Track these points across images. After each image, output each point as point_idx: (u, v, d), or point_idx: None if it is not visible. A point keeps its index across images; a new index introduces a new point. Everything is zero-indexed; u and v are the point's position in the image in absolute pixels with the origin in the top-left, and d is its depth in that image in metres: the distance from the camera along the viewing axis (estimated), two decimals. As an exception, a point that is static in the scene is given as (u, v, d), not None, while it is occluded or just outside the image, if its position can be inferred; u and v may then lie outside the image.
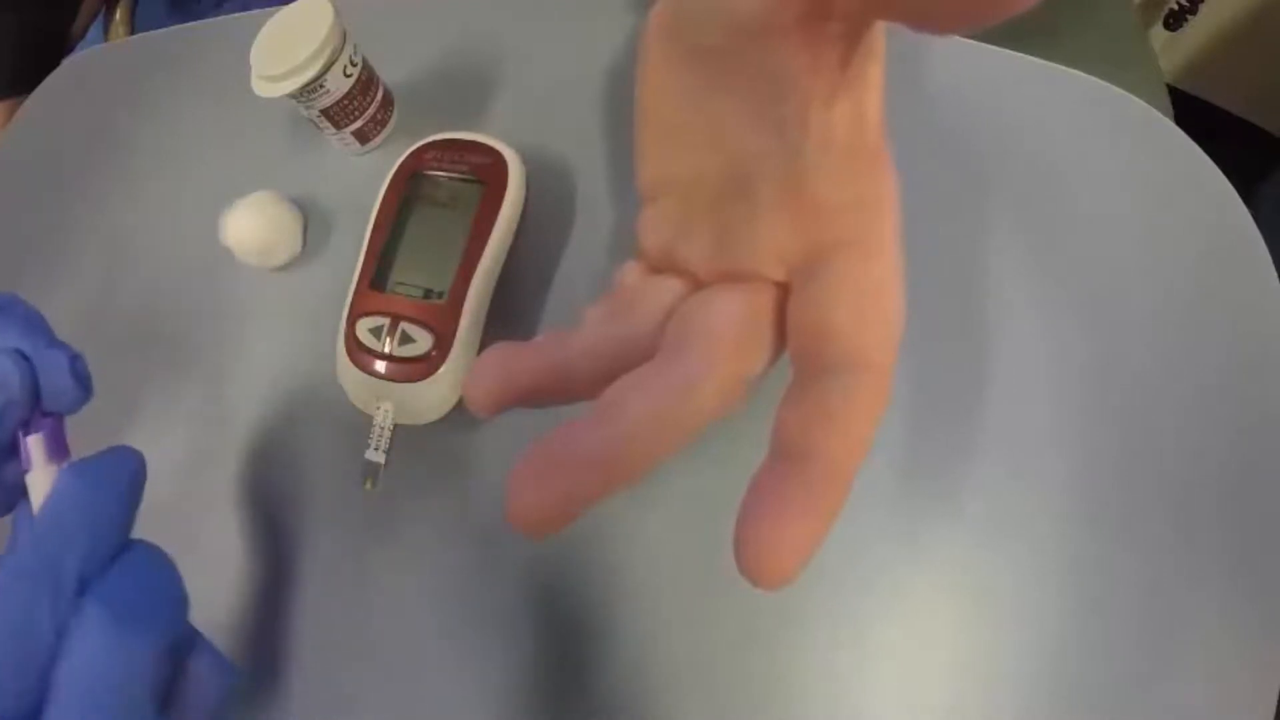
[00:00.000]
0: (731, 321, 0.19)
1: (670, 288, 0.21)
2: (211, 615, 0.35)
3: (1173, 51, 0.94)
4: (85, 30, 0.74)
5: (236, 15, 0.50)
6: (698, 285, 0.21)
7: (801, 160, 0.18)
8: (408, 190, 0.36)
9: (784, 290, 0.19)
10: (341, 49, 0.37)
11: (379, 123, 0.41)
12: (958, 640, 0.30)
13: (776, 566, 0.15)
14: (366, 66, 0.39)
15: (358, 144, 0.41)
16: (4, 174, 0.50)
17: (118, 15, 0.76)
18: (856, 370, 0.17)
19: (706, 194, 0.20)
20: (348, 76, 0.38)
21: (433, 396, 0.33)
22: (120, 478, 0.22)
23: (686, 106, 0.20)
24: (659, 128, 0.21)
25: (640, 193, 0.22)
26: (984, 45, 0.38)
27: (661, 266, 0.22)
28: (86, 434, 0.39)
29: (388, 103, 0.42)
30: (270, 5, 0.38)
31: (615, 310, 0.21)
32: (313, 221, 0.41)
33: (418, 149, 0.37)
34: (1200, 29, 0.91)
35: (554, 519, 0.16)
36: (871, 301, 0.18)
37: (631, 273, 0.22)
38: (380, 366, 0.33)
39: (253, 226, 0.38)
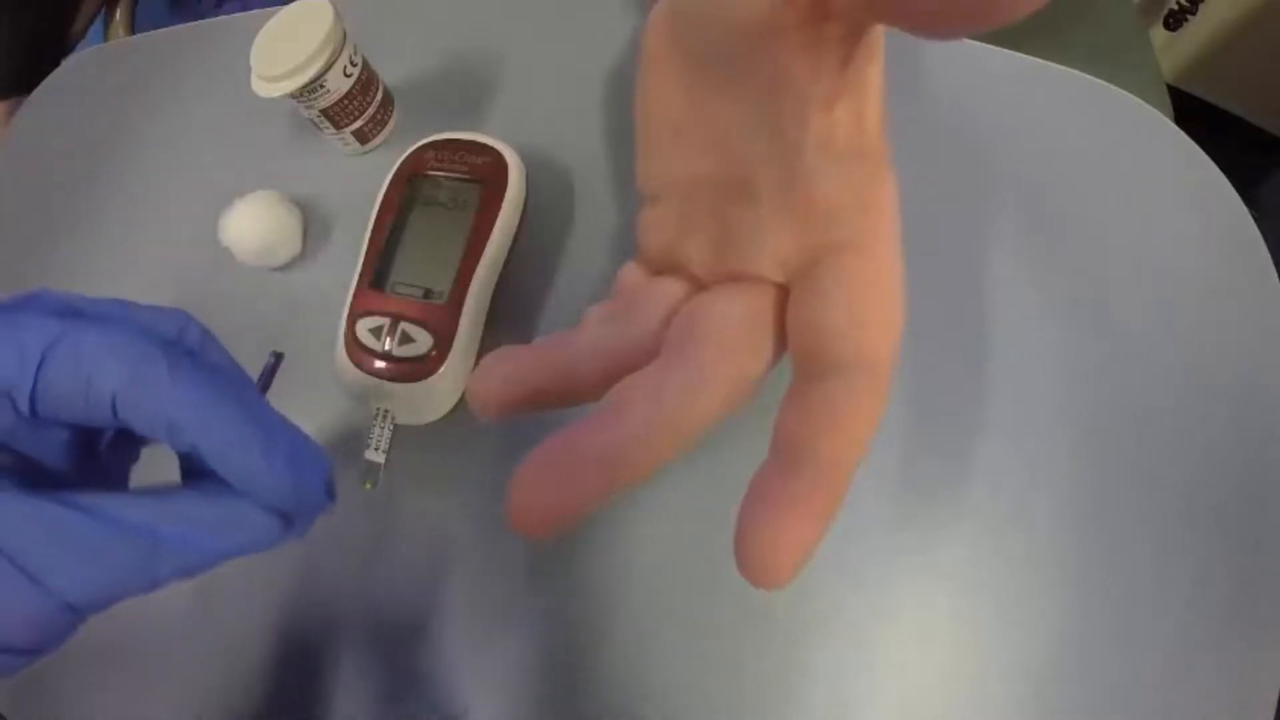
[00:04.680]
0: (733, 323, 0.19)
1: (671, 289, 0.21)
2: (209, 615, 0.35)
3: (1173, 51, 0.94)
4: (85, 30, 0.74)
5: (236, 15, 0.50)
6: (699, 286, 0.21)
7: (801, 162, 0.18)
8: (408, 190, 0.36)
9: (785, 292, 0.19)
10: (341, 49, 0.37)
11: (379, 123, 0.41)
12: (956, 640, 0.30)
13: (775, 566, 0.15)
14: (366, 66, 0.39)
15: (358, 144, 0.41)
16: (4, 174, 0.50)
17: (118, 15, 0.75)
18: (856, 371, 0.17)
19: (707, 195, 0.20)
20: (348, 76, 0.38)
21: (433, 396, 0.33)
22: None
23: (686, 107, 0.20)
24: (659, 129, 0.21)
25: (640, 193, 0.22)
26: (984, 45, 0.38)
27: (662, 268, 0.22)
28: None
29: (388, 103, 0.42)
30: (270, 5, 0.38)
31: (616, 312, 0.21)
32: (313, 221, 0.41)
33: (418, 149, 0.37)
34: (1200, 29, 0.91)
35: (555, 521, 0.16)
36: (871, 302, 0.18)
37: (632, 274, 0.22)
38: (380, 366, 0.33)
39: (253, 226, 0.38)
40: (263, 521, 0.19)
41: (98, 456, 0.22)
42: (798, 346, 0.18)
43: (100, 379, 0.17)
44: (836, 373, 0.17)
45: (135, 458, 0.24)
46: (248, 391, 0.20)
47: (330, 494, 0.20)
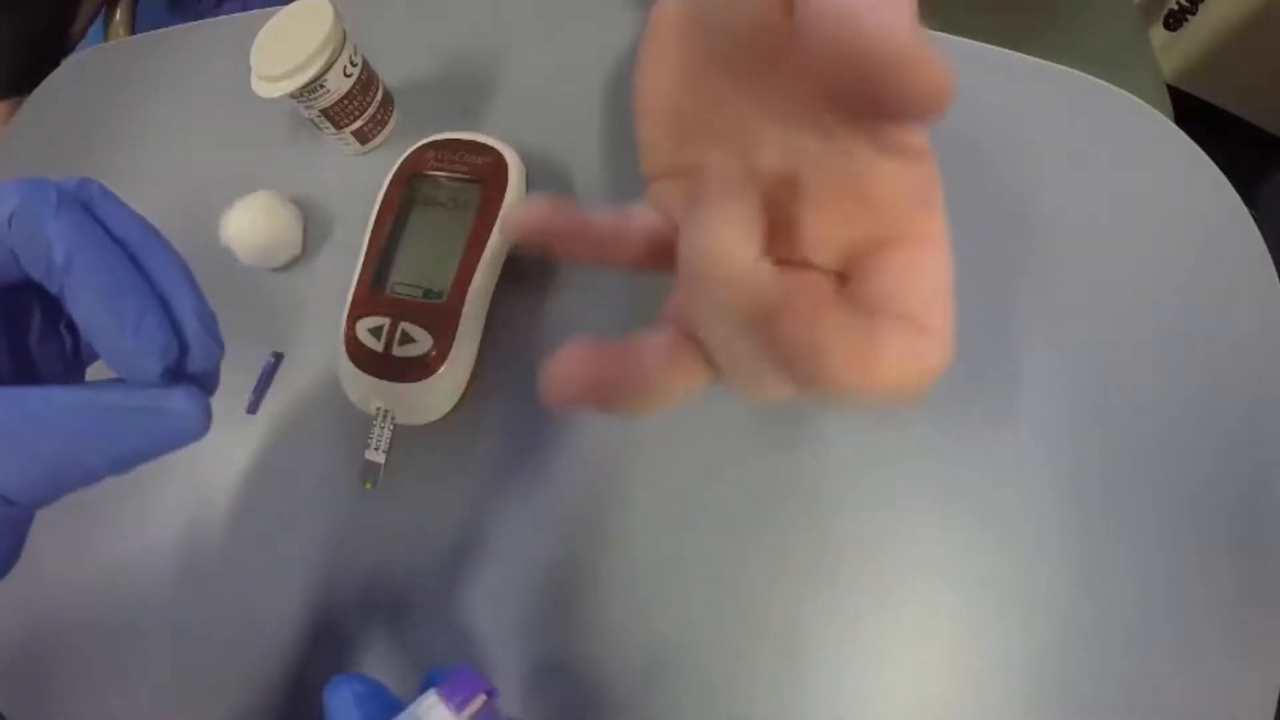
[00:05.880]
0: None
1: None
2: (208, 615, 0.35)
3: (1173, 51, 0.94)
4: (85, 30, 0.74)
5: (236, 15, 0.50)
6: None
7: (856, 159, 0.17)
8: (408, 190, 0.36)
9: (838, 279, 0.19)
10: (341, 49, 0.37)
11: (379, 123, 0.41)
12: (957, 640, 0.30)
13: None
14: (366, 66, 0.39)
15: (358, 144, 0.41)
16: (4, 174, 0.50)
17: (118, 15, 0.75)
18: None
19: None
20: (348, 76, 0.38)
21: (433, 396, 0.33)
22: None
23: (701, 101, 0.20)
24: (666, 117, 0.21)
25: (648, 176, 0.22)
26: (984, 45, 0.38)
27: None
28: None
29: (388, 103, 0.42)
30: (270, 5, 0.38)
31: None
32: (313, 221, 0.41)
33: (418, 149, 0.37)
34: (1200, 29, 0.91)
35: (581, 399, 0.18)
36: (935, 294, 0.17)
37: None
38: (380, 366, 0.33)
39: (253, 226, 0.38)
40: (186, 408, 0.19)
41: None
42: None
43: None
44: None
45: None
46: (143, 240, 0.21)
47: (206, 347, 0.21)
